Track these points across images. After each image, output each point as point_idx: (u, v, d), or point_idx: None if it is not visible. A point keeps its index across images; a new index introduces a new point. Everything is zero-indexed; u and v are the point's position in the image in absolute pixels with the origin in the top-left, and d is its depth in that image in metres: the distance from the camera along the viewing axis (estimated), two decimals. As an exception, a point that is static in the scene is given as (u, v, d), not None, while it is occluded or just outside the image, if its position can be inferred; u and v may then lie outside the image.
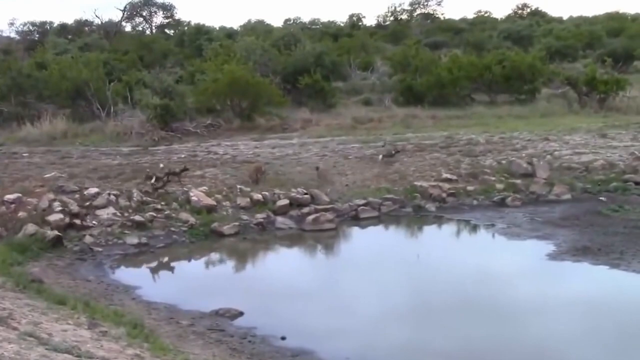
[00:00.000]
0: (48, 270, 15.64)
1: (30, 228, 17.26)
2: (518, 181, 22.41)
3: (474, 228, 19.90)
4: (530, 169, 23.03)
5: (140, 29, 78.26)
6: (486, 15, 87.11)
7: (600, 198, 21.51)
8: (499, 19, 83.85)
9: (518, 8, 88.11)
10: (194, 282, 16.34)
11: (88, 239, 17.74)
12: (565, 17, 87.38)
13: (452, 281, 15.60)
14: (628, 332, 12.88)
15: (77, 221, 18.29)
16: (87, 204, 19.22)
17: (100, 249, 17.47)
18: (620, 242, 17.43)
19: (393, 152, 24.47)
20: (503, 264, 17.00)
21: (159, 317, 13.26)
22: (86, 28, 73.01)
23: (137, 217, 18.82)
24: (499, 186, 22.19)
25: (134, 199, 19.69)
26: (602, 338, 12.72)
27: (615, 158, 24.40)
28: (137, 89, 33.11)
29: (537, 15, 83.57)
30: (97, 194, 19.61)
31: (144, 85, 33.88)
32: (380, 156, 24.12)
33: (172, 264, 17.61)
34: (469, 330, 13.00)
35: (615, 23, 67.78)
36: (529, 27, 66.71)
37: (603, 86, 34.77)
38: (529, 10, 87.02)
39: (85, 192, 19.74)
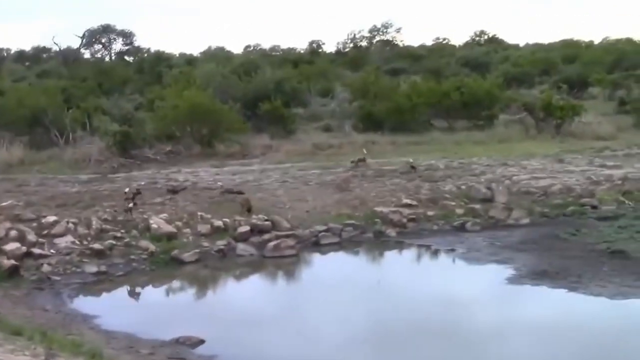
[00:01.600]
0: (4, 301, 15.39)
1: (-14, 258, 16.99)
2: (477, 206, 22.58)
3: (435, 253, 20.01)
4: (489, 194, 23.23)
5: (99, 55, 77.87)
6: (444, 42, 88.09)
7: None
8: (457, 45, 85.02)
9: (476, 35, 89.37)
10: (154, 310, 16.20)
11: (46, 268, 17.48)
12: (521, 44, 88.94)
13: (414, 307, 15.67)
14: (587, 354, 13.03)
15: (35, 250, 18.03)
16: (45, 232, 18.97)
17: (58, 278, 17.23)
18: (578, 265, 17.65)
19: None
20: (464, 288, 17.08)
21: (118, 346, 13.10)
22: (44, 55, 72.44)
23: (96, 245, 18.60)
24: (459, 211, 22.35)
25: (93, 227, 19.48)
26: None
27: (572, 182, 24.73)
28: (95, 116, 32.81)
29: (495, 42, 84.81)
30: (55, 222, 19.38)
31: (103, 112, 33.62)
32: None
33: (132, 292, 17.45)
34: (431, 355, 13.04)
35: (570, 50, 69.03)
36: (486, 54, 67.73)
37: (559, 112, 35.30)
38: (486, 37, 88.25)
39: (43, 221, 19.49)
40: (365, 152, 27.41)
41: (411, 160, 24.90)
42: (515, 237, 20.52)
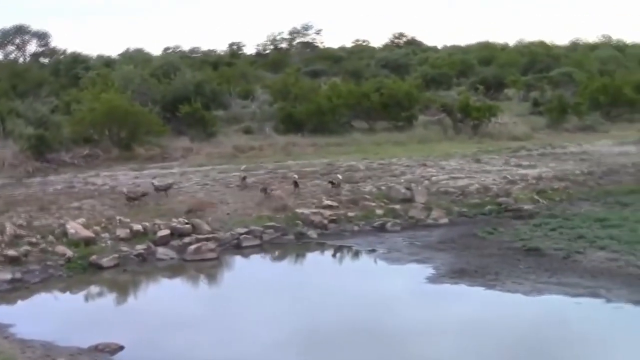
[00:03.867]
0: None
1: None
2: (397, 206, 22.83)
3: (356, 254, 20.15)
4: (408, 194, 23.50)
5: (13, 57, 75.85)
6: (364, 44, 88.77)
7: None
8: (377, 47, 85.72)
9: (395, 37, 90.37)
10: (72, 317, 15.87)
11: (-43, 276, 16.96)
12: (439, 47, 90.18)
13: (335, 307, 15.75)
14: (505, 350, 13.32)
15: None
16: (-43, 239, 18.41)
17: (-30, 286, 16.71)
18: (495, 263, 18.02)
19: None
20: (384, 288, 17.27)
21: (34, 355, 12.79)
22: (-45, 56, 70.24)
23: (11, 252, 18.09)
24: (379, 212, 22.54)
25: (7, 232, 18.96)
26: (482, 357, 13.10)
27: (489, 182, 25.25)
28: (9, 119, 32.04)
29: (413, 44, 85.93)
30: (-33, 229, 18.81)
31: (17, 115, 32.83)
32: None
33: (49, 299, 17.03)
34: (355, 355, 13.13)
35: (487, 52, 70.53)
36: (405, 55, 68.59)
37: (476, 113, 36.04)
38: (405, 39, 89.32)
39: (-46, 227, 18.91)
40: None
41: (340, 176, 24.72)
42: (435, 237, 20.81)
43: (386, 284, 17.64)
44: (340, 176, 24.89)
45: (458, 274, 17.35)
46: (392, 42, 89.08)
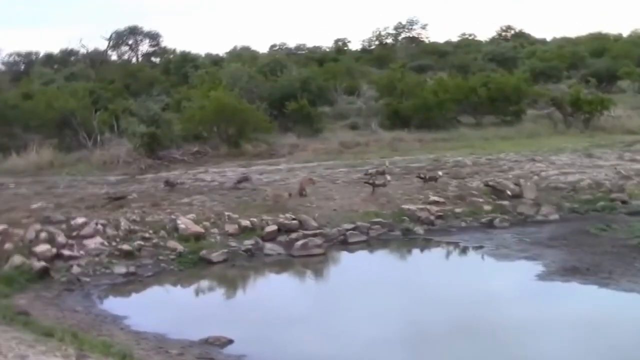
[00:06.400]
0: (35, 302, 15.51)
1: (17, 259, 17.16)
2: (506, 202, 22.43)
3: (463, 250, 19.90)
4: (517, 190, 23.07)
5: (126, 57, 78.29)
6: (470, 37, 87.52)
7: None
8: (483, 41, 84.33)
9: (502, 30, 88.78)
10: (183, 310, 16.22)
11: (75, 270, 17.60)
12: (548, 39, 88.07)
13: (444, 305, 15.54)
14: (620, 351, 12.88)
15: (65, 251, 18.18)
16: (75, 234, 19.11)
17: (88, 279, 17.33)
18: (609, 261, 17.45)
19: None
20: (493, 285, 16.98)
21: (148, 346, 13.15)
22: (72, 57, 72.93)
23: (125, 246, 18.71)
24: (487, 208, 22.21)
25: (122, 228, 19.61)
26: (595, 357, 12.72)
27: (602, 177, 24.50)
28: (123, 118, 33.08)
29: (521, 37, 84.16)
30: (85, 224, 19.50)
31: (131, 114, 33.83)
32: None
33: (161, 292, 17.48)
34: (464, 354, 12.95)
35: (598, 43, 68.31)
36: (513, 49, 67.30)
37: (588, 106, 35.06)
38: (512, 32, 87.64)
39: (72, 222, 19.62)
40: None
41: (440, 173, 24.28)
42: (545, 233, 20.34)
43: (495, 281, 17.35)
44: (440, 172, 24.61)
45: (569, 272, 16.89)
46: (499, 35, 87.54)
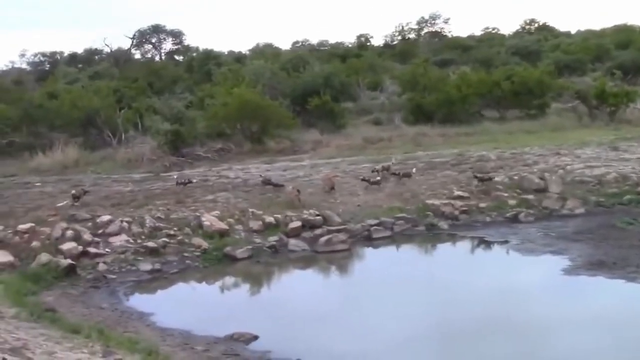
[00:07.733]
0: (62, 299, 15.63)
1: (44, 257, 17.30)
2: (530, 197, 22.30)
3: (488, 245, 19.80)
4: (542, 184, 22.92)
5: (150, 55, 78.59)
6: (494, 31, 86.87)
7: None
8: (507, 35, 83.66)
9: (526, 23, 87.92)
10: (208, 307, 16.28)
11: (102, 267, 17.74)
12: (573, 31, 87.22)
13: (470, 300, 15.46)
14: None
15: (90, 249, 18.30)
16: (100, 231, 19.24)
17: (113, 276, 17.45)
18: (636, 255, 17.29)
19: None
20: (520, 280, 16.88)
21: (173, 343, 13.22)
22: (96, 57, 73.40)
23: (150, 244, 18.81)
24: (512, 202, 22.09)
25: (147, 225, 19.70)
26: (624, 352, 12.60)
27: (628, 170, 24.27)
28: (147, 116, 33.25)
29: (545, 30, 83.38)
30: (110, 222, 19.63)
31: (154, 112, 34.03)
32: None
33: (186, 289, 17.56)
34: (493, 350, 12.88)
35: (623, 36, 67.49)
36: (537, 42, 66.68)
37: (613, 99, 34.76)
38: (536, 25, 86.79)
39: (97, 220, 19.77)
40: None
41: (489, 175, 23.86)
42: (570, 227, 20.21)
43: (520, 276, 17.25)
44: (494, 174, 24.26)
45: (596, 266, 16.77)
46: (523, 28, 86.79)
